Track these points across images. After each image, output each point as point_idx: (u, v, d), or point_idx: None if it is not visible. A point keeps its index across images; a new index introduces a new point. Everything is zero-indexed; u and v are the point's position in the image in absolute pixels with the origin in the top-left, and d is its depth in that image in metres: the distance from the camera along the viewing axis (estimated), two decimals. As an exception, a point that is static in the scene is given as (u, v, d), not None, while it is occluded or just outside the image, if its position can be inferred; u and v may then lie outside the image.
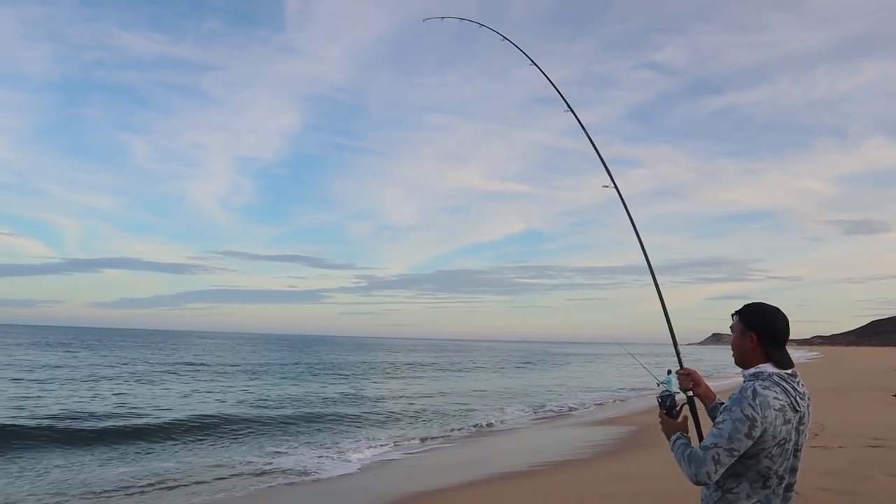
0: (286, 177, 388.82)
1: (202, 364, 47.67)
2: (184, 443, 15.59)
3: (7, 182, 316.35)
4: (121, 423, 17.64)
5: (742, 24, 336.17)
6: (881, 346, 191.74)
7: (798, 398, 2.58)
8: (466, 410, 23.79)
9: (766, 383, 2.57)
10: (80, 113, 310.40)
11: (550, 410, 24.83)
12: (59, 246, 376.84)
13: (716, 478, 2.53)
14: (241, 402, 23.89)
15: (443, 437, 17.76)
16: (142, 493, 10.63)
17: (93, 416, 18.89)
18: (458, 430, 18.93)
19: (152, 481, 11.28)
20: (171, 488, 10.88)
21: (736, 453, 2.49)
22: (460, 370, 54.52)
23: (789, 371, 2.64)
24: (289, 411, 21.56)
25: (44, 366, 39.01)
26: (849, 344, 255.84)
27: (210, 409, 21.30)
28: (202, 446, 15.26)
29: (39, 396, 23.07)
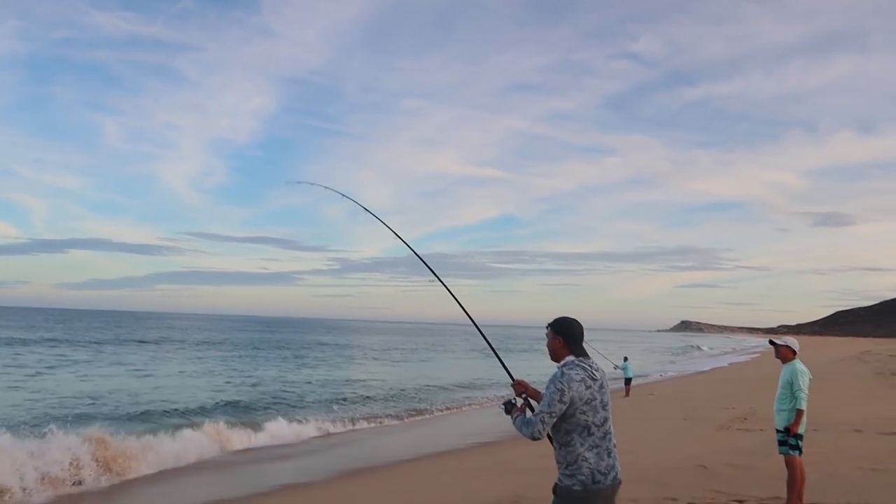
0: (260, 159, 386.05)
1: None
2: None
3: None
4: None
5: (718, 15, 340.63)
6: (844, 335, 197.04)
7: (594, 372, 3.82)
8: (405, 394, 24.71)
9: (570, 366, 3.81)
10: (48, 91, 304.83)
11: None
12: (25, 226, 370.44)
13: (545, 433, 3.72)
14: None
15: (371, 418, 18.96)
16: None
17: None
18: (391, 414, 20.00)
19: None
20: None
21: (556, 415, 3.69)
22: (416, 353, 55.72)
23: (586, 357, 3.91)
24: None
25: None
26: (813, 334, 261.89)
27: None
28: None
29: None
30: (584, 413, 3.73)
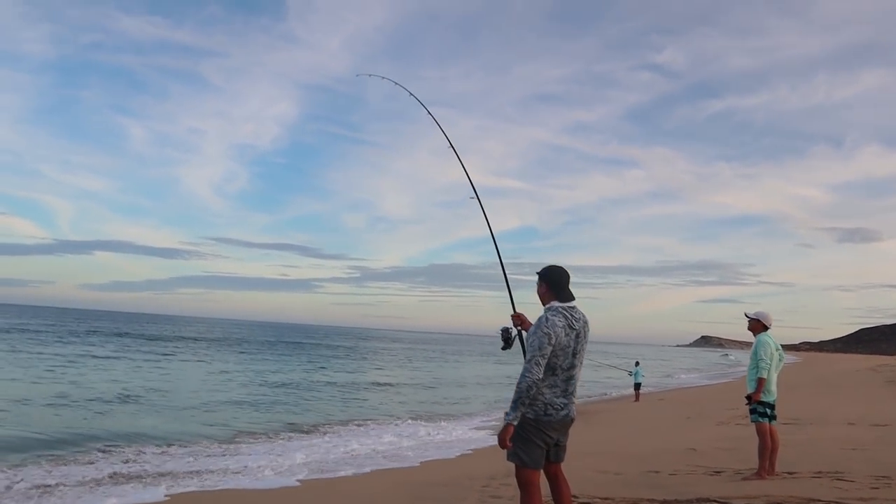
0: (282, 165, 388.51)
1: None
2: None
3: (0, 161, 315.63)
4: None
5: (743, 28, 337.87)
6: (867, 353, 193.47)
7: (573, 321, 4.15)
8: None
9: (553, 312, 4.16)
10: (76, 95, 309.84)
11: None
12: (51, 227, 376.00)
13: (541, 375, 4.07)
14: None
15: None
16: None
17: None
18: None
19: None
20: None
21: (546, 356, 4.00)
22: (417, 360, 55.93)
23: (569, 304, 4.24)
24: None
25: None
26: (835, 351, 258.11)
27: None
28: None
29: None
30: (556, 357, 4.09)
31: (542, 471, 4.25)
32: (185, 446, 11.77)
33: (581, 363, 4.28)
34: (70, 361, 29.46)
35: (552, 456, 4.27)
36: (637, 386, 25.99)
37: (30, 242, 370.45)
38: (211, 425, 14.53)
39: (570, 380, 4.20)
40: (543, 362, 4.03)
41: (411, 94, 7.19)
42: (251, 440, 12.91)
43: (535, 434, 4.12)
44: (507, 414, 4.04)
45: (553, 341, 4.04)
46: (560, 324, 4.11)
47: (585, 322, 4.30)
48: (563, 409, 4.15)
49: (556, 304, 4.25)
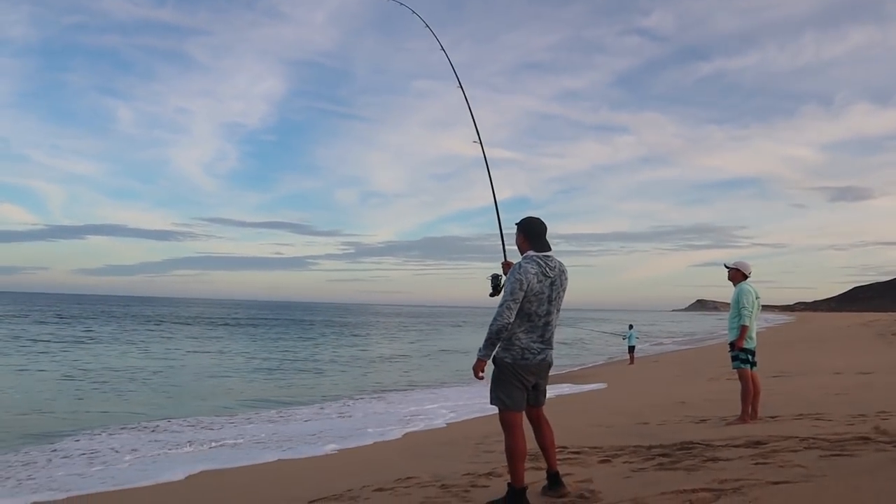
0: (272, 143, 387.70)
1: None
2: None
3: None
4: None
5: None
6: (861, 311, 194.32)
7: (547, 269, 4.34)
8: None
9: (527, 260, 4.38)
10: (61, 78, 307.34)
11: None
12: (42, 212, 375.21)
13: (512, 318, 4.32)
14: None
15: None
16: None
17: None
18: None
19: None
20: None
21: (518, 301, 4.23)
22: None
23: (545, 253, 4.43)
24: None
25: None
26: (830, 310, 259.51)
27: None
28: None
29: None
30: (530, 303, 4.32)
31: (525, 414, 4.48)
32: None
33: (557, 310, 4.48)
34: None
35: (531, 399, 4.51)
36: (631, 349, 26.24)
37: (21, 229, 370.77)
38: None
39: (546, 325, 4.42)
40: (515, 307, 4.28)
41: (426, 24, 7.40)
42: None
43: (513, 377, 4.36)
44: (479, 350, 4.35)
45: (524, 287, 4.27)
46: (533, 271, 4.32)
47: (562, 271, 4.50)
48: (539, 353, 4.39)
49: (531, 253, 4.46)
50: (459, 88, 6.54)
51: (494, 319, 4.29)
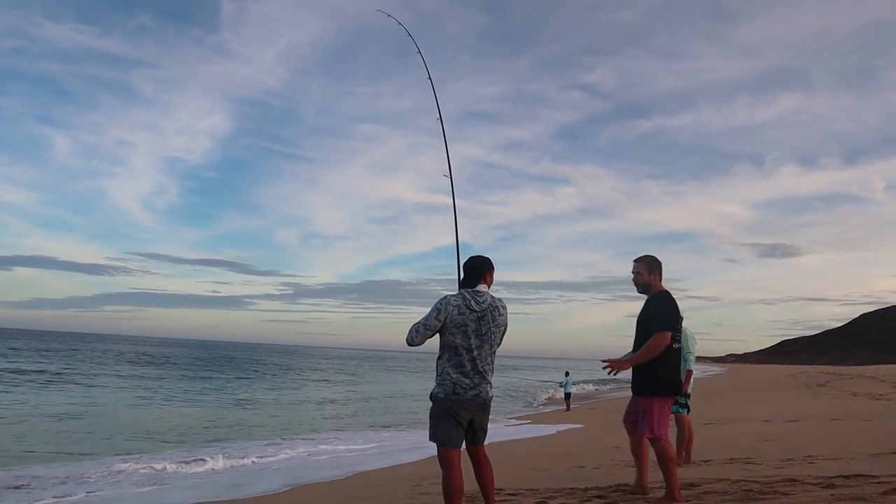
0: (213, 180, 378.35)
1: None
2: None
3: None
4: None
5: (670, 51, 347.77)
6: (788, 363, 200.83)
7: (472, 302, 4.36)
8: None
9: (454, 294, 4.45)
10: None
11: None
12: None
13: (417, 341, 4.36)
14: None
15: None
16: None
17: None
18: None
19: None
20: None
21: (430, 328, 4.32)
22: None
23: (475, 289, 4.46)
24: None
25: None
26: (760, 362, 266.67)
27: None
28: None
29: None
30: (453, 335, 4.34)
31: (466, 451, 4.43)
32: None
33: (490, 345, 4.44)
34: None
35: (469, 437, 4.45)
36: (567, 396, 26.42)
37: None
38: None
39: (475, 360, 4.37)
40: (425, 332, 4.37)
41: (409, 34, 7.83)
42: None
43: (447, 413, 4.34)
44: None
45: (441, 317, 4.34)
46: (454, 303, 4.38)
47: (495, 307, 4.47)
48: (471, 388, 4.34)
49: (462, 290, 4.52)
50: (439, 121, 6.62)
51: (407, 335, 4.43)
